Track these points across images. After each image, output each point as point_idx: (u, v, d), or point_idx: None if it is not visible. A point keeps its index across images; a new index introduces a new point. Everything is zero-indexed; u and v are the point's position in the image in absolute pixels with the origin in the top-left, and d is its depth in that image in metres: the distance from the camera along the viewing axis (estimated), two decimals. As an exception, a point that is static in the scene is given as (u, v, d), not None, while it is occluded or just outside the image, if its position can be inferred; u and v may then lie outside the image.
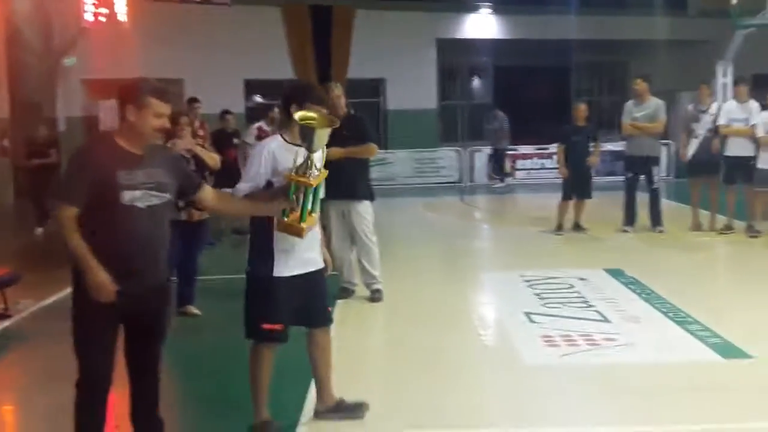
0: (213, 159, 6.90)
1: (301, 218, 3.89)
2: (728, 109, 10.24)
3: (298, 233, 3.91)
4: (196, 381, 5.30)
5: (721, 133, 10.17)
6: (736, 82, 10.92)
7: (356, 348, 4.72)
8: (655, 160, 10.77)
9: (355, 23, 19.34)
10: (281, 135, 4.20)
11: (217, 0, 17.21)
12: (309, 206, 3.90)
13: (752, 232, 10.00)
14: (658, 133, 10.61)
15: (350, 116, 7.22)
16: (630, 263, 8.48)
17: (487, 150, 18.84)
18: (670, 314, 6.38)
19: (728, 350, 5.42)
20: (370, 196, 7.28)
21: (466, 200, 16.19)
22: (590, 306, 6.78)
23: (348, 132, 6.91)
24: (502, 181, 18.35)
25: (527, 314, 6.53)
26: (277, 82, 20.06)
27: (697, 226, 10.49)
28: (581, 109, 10.76)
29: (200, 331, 6.54)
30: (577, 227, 10.77)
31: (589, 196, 10.80)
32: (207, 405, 4.87)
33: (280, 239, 4.05)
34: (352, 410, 4.42)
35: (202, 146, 7.00)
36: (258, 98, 20.17)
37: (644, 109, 10.47)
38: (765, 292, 7.31)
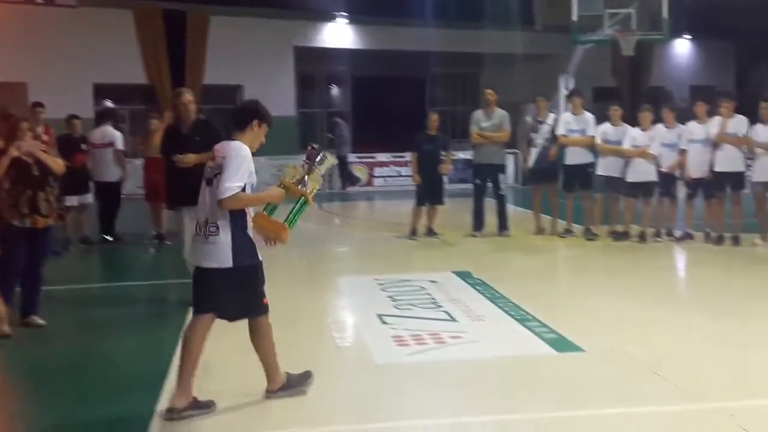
0: (57, 164, 6.69)
1: (291, 225, 4.71)
2: (565, 120, 10.90)
3: (284, 238, 4.65)
4: (45, 391, 5.13)
5: (561, 143, 10.81)
6: (570, 95, 11.63)
7: (210, 352, 4.73)
8: (501, 168, 11.33)
9: (211, 29, 19.14)
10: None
11: (62, 2, 16.52)
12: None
13: (589, 235, 10.69)
14: (504, 142, 11.16)
15: (201, 122, 7.43)
16: (478, 266, 8.88)
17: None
18: (512, 312, 6.75)
19: (562, 344, 5.80)
20: (222, 202, 7.30)
21: (325, 207, 16.33)
22: (439, 306, 7.06)
23: (201, 138, 6.97)
24: (353, 184, 18.74)
25: (380, 316, 6.72)
26: (128, 87, 19.58)
27: (539, 230, 11.11)
28: (433, 119, 11.12)
29: (46, 341, 6.32)
30: (430, 232, 11.13)
31: (441, 203, 11.18)
32: (59, 414, 4.72)
33: (251, 232, 4.55)
34: (206, 406, 4.56)
35: (46, 152, 6.78)
36: (108, 103, 19.55)
37: (491, 119, 10.99)
38: (598, 291, 7.85)
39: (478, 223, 11.16)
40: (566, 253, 10.38)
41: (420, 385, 5.08)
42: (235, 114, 4.78)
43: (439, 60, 23.19)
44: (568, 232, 10.92)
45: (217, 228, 4.42)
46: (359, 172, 19.52)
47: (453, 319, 6.61)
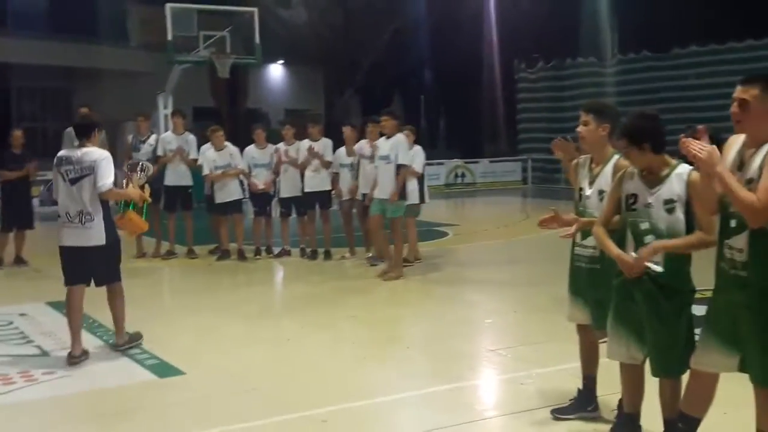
0: None
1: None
2: (166, 140, 10.83)
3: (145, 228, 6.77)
4: None
5: (160, 163, 10.68)
6: (172, 115, 11.59)
7: None
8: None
9: None
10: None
11: None
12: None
13: (192, 255, 10.75)
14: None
15: None
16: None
17: None
18: (111, 342, 6.47)
19: (163, 369, 5.73)
20: None
21: None
22: (30, 341, 6.55)
23: None
24: None
25: (-43, 358, 6.02)
26: None
27: (141, 254, 10.82)
28: (17, 135, 10.32)
29: None
30: (19, 260, 10.25)
31: (30, 227, 10.36)
32: None
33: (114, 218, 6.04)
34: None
35: None
36: None
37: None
38: (199, 311, 7.85)
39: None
40: (169, 275, 10.29)
41: (10, 429, 4.64)
42: (81, 127, 6.10)
43: (27, 72, 21.53)
44: (171, 254, 10.83)
45: (92, 215, 5.75)
46: None
47: (45, 354, 6.17)
